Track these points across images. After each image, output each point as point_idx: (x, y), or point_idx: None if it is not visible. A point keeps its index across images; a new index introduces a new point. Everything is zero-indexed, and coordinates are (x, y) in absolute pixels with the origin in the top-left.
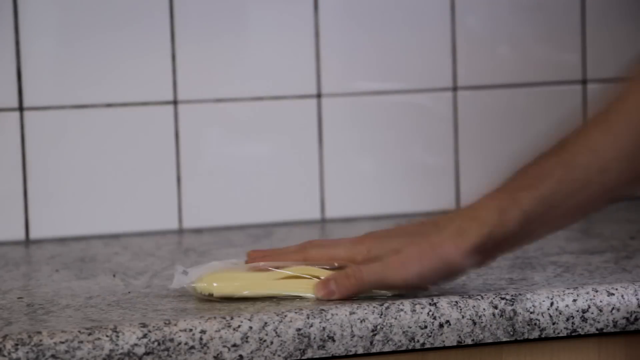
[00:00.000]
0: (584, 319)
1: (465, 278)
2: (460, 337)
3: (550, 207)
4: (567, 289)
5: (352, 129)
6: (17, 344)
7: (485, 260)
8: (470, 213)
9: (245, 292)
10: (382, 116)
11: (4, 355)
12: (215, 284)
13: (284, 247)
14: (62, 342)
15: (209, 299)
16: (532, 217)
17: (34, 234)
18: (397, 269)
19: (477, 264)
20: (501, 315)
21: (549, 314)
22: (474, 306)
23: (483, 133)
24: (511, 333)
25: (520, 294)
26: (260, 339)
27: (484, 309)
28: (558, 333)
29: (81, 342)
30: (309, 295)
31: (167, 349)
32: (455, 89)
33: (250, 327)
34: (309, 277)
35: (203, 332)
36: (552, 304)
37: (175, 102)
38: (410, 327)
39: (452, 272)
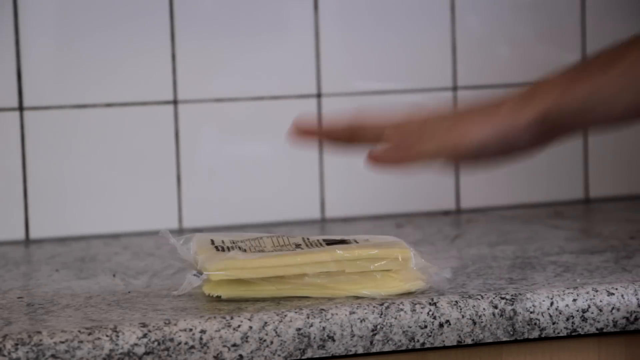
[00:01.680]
0: (584, 319)
1: (465, 278)
2: (460, 336)
3: (621, 87)
4: (567, 288)
5: None
6: (17, 344)
7: (543, 141)
8: (533, 88)
9: (253, 294)
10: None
11: (4, 355)
12: (223, 289)
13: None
14: (62, 342)
15: (218, 300)
16: (602, 95)
17: (34, 234)
18: (459, 133)
19: (536, 143)
20: (501, 315)
21: (549, 313)
22: (474, 306)
23: None
24: (511, 333)
25: (520, 294)
26: (260, 339)
27: (484, 309)
28: (558, 333)
29: (81, 342)
30: (315, 295)
31: (167, 349)
32: (455, 89)
33: (250, 327)
34: (314, 273)
35: (203, 331)
36: (552, 303)
37: (175, 102)
38: (410, 327)
39: (512, 144)
